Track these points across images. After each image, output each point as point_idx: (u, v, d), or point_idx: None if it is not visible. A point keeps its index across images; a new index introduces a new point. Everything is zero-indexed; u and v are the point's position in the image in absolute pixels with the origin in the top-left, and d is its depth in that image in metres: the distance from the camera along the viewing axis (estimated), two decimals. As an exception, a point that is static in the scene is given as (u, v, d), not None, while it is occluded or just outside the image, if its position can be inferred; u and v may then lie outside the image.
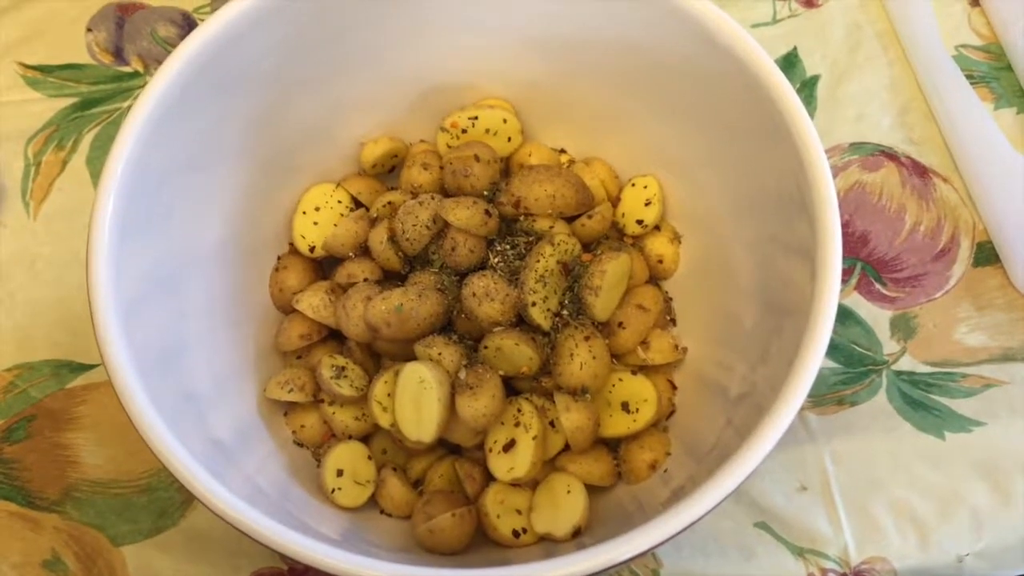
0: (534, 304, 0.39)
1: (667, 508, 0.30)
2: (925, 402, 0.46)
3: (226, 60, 0.37)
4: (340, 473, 0.40)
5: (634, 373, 0.41)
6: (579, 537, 0.37)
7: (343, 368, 0.40)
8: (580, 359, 0.38)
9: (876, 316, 0.47)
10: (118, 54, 0.53)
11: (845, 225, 0.48)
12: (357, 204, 0.44)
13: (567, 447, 0.39)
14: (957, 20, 0.54)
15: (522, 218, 0.41)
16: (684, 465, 0.38)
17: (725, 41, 0.36)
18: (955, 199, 0.50)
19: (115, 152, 0.34)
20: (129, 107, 0.51)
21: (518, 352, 0.38)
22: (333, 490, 0.39)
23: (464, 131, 0.44)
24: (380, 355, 0.42)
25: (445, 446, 0.41)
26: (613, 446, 0.41)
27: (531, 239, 0.41)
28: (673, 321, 0.44)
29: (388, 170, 0.46)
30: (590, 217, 0.42)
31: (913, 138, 0.51)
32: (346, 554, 0.30)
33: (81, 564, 0.43)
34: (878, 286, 0.48)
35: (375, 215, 0.43)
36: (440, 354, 0.38)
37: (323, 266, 0.45)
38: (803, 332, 0.32)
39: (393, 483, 0.40)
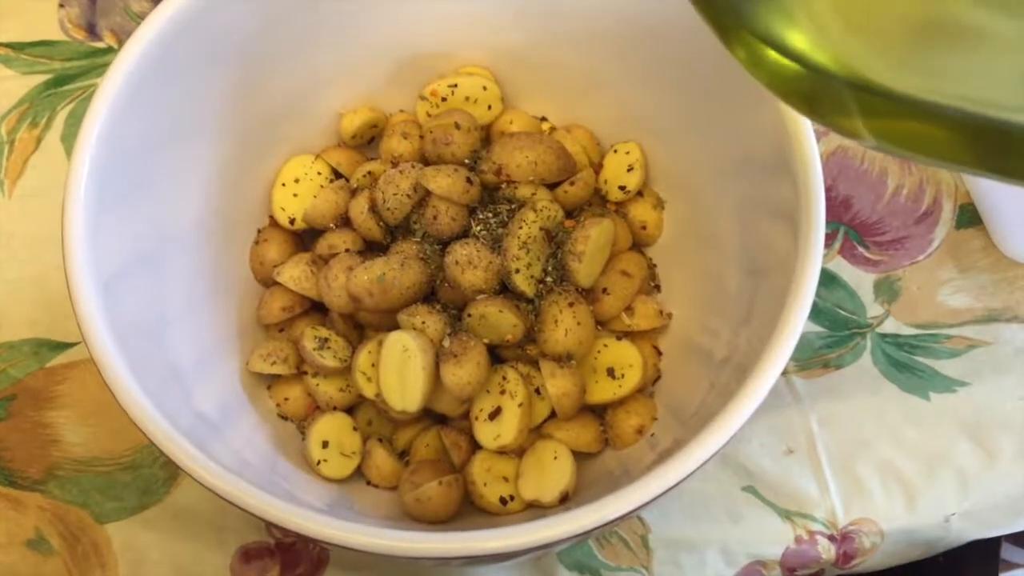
0: (517, 271, 0.38)
1: (652, 470, 0.30)
2: (910, 364, 0.46)
3: (199, 29, 0.36)
4: (325, 445, 0.39)
5: (619, 339, 0.41)
6: (567, 503, 0.37)
7: (326, 339, 0.40)
8: (565, 325, 0.38)
9: (860, 279, 0.47)
10: (91, 30, 0.52)
11: (828, 190, 0.48)
12: (337, 175, 0.44)
13: (553, 414, 0.39)
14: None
15: (504, 186, 0.41)
16: (670, 429, 0.38)
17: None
18: (937, 161, 0.49)
19: (88, 124, 0.34)
20: (103, 82, 0.51)
21: (502, 319, 0.38)
22: (319, 462, 0.39)
23: (444, 99, 0.43)
24: (363, 326, 0.41)
25: (431, 416, 0.41)
26: (599, 412, 0.41)
27: (513, 206, 0.41)
28: (657, 287, 0.44)
29: (368, 141, 0.45)
30: (572, 184, 0.41)
31: (895, 101, 0.51)
32: (332, 520, 0.29)
33: (65, 542, 0.43)
34: (861, 250, 0.48)
35: (355, 185, 0.42)
36: (424, 323, 0.38)
37: (304, 238, 0.44)
38: (786, 293, 0.32)
39: (379, 454, 0.39)
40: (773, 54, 0.22)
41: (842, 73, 0.21)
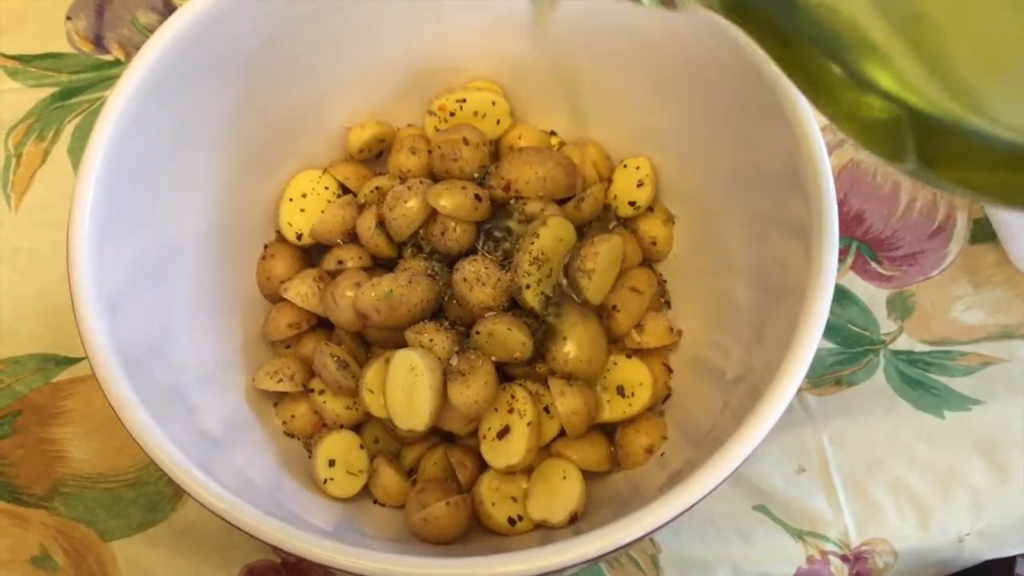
0: (528, 287, 0.38)
1: (664, 492, 0.30)
2: (923, 381, 0.45)
3: (206, 44, 0.36)
4: (332, 463, 0.39)
5: (629, 357, 0.40)
6: (576, 523, 0.37)
7: (337, 356, 0.39)
8: (574, 343, 0.38)
9: (872, 295, 0.47)
10: (98, 42, 0.52)
11: (840, 204, 0.47)
12: (344, 190, 0.44)
13: (562, 433, 0.39)
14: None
15: (513, 201, 0.40)
16: (681, 449, 0.38)
17: (714, 17, 0.35)
18: (951, 176, 0.49)
19: (94, 141, 0.34)
20: (110, 96, 0.50)
21: (510, 337, 0.38)
22: (325, 480, 0.39)
23: (452, 114, 0.43)
24: (370, 343, 0.41)
25: (438, 434, 0.40)
26: (609, 431, 0.40)
27: (522, 222, 0.40)
28: (668, 303, 0.43)
29: (375, 155, 0.45)
30: (582, 199, 0.41)
31: (907, 115, 0.50)
32: (338, 545, 0.29)
33: (70, 560, 0.42)
34: (874, 265, 0.47)
35: (363, 201, 0.42)
36: (431, 340, 0.38)
37: (311, 254, 0.44)
38: (799, 311, 0.32)
39: (386, 472, 0.39)
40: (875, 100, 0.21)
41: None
